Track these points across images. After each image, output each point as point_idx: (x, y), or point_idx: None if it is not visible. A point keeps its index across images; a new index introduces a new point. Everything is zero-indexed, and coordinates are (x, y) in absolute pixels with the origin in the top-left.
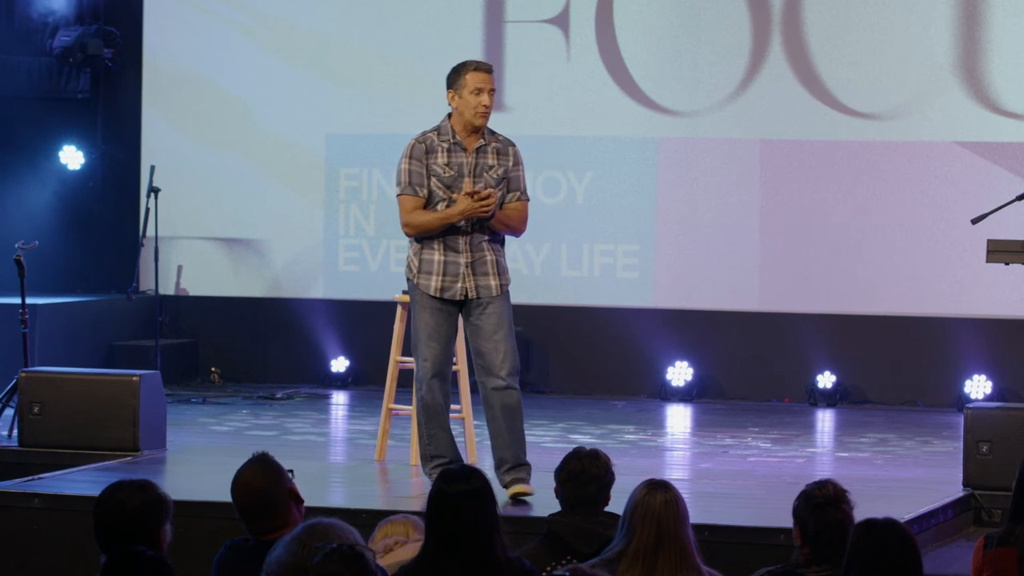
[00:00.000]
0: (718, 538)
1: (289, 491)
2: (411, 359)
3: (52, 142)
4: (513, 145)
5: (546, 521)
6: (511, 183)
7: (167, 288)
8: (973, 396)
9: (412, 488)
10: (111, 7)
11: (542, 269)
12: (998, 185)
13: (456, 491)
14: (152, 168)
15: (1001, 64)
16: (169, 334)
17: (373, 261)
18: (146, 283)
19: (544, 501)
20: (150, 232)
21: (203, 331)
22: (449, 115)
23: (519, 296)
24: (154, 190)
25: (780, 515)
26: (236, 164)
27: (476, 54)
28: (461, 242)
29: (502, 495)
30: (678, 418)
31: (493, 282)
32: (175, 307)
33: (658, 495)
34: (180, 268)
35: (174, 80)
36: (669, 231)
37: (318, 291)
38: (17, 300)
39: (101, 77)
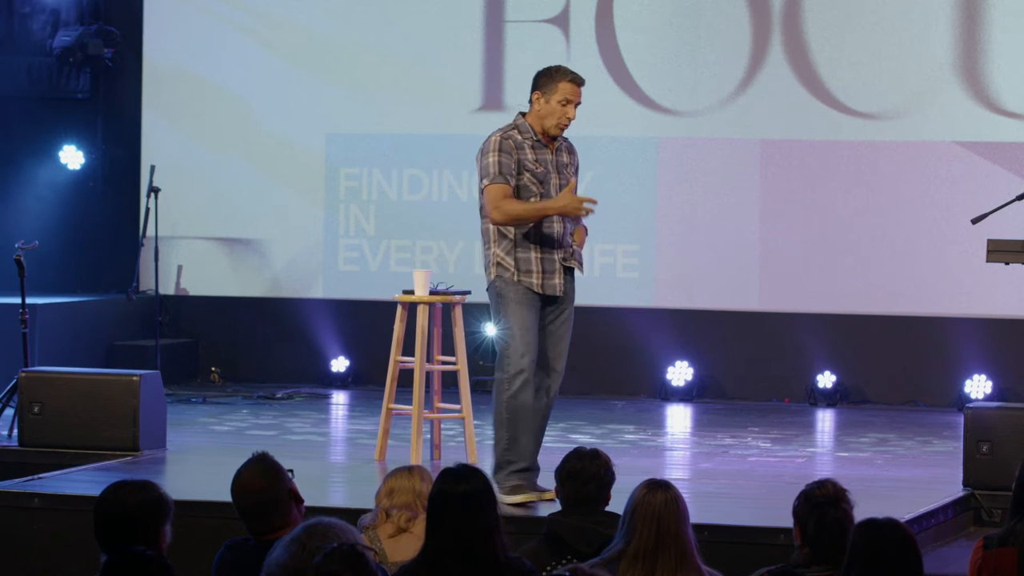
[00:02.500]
0: (718, 538)
1: (289, 491)
2: (411, 359)
3: (52, 142)
4: (574, 146)
5: (546, 521)
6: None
7: (167, 288)
8: (973, 396)
9: None
10: (111, 7)
11: None
12: (998, 185)
13: (456, 491)
14: (152, 168)
15: (1001, 64)
16: (169, 334)
17: (373, 261)
18: (146, 283)
19: (544, 501)
20: (150, 232)
21: (203, 331)
22: (523, 113)
23: None
24: (154, 190)
25: (780, 515)
26: (236, 164)
27: (476, 54)
28: (555, 239)
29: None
30: (678, 418)
31: (572, 283)
32: (175, 307)
33: (658, 495)
34: (180, 268)
35: (174, 80)
36: (669, 231)
37: (318, 291)
38: (17, 300)
39: (101, 77)
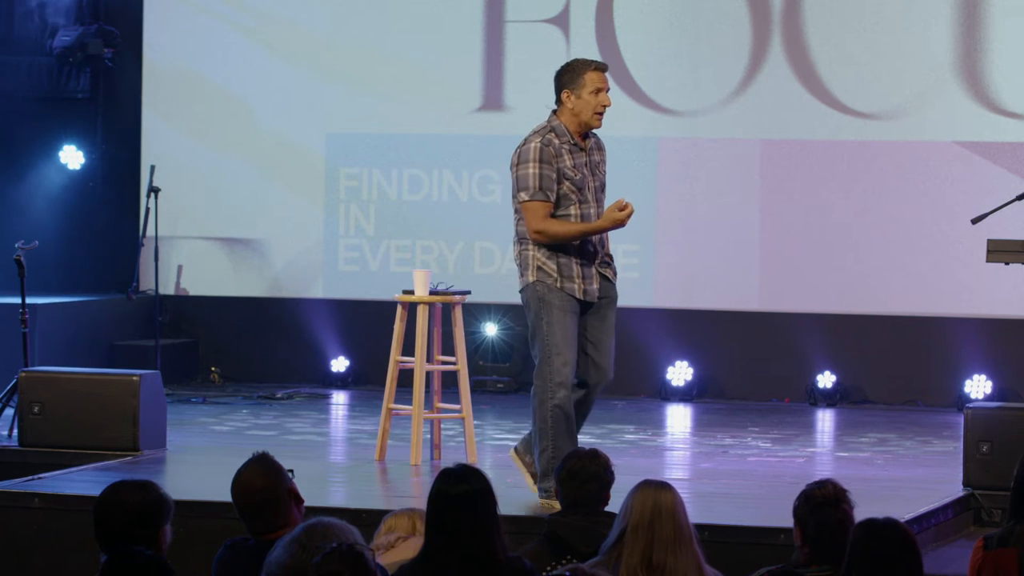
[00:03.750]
0: (718, 538)
1: (289, 491)
2: (411, 359)
3: (52, 142)
4: (602, 141)
5: (546, 521)
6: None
7: (167, 288)
8: (973, 396)
9: (412, 488)
10: (111, 7)
11: None
12: (998, 185)
13: (456, 491)
14: (152, 168)
15: (1001, 64)
16: (169, 334)
17: (373, 261)
18: (146, 283)
19: None
20: (150, 232)
21: (203, 331)
22: (555, 112)
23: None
24: (154, 190)
25: (780, 515)
26: (236, 164)
27: (476, 54)
28: (593, 246)
29: (519, 499)
30: (678, 418)
31: (613, 288)
32: (175, 307)
33: (653, 486)
34: (180, 268)
35: (174, 80)
36: (669, 231)
37: (318, 291)
38: (17, 300)
39: (101, 77)
